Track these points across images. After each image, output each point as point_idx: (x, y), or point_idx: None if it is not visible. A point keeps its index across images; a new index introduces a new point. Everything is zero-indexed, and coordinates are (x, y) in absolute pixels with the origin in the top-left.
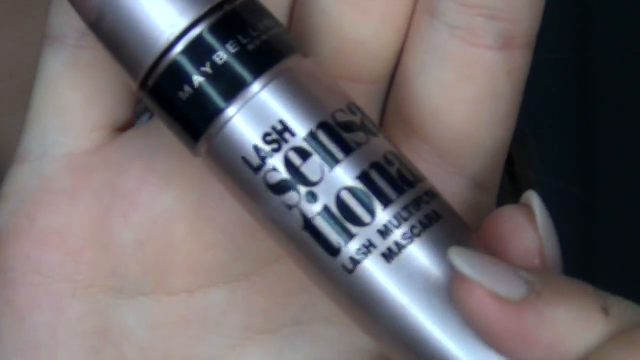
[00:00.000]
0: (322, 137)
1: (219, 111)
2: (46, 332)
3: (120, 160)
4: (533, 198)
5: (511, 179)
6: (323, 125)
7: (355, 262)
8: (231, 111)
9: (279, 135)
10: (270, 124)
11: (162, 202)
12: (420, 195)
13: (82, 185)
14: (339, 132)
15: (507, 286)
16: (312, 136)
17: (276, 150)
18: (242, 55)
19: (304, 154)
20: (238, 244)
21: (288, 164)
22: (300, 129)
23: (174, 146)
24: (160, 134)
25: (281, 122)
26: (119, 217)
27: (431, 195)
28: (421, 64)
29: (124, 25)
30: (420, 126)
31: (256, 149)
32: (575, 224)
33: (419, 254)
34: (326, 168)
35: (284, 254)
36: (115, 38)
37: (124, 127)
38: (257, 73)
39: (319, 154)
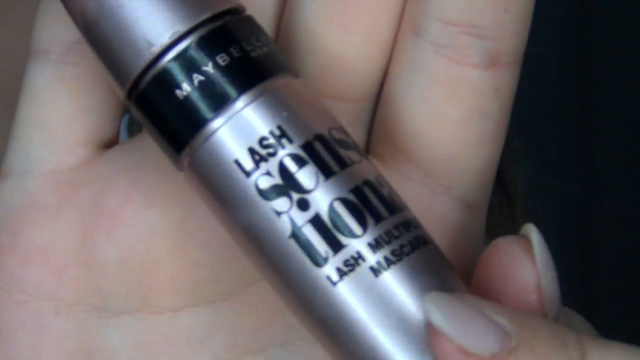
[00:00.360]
0: (319, 147)
1: (204, 122)
2: (29, 351)
3: (104, 177)
4: (531, 231)
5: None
6: (320, 138)
7: (342, 274)
8: (217, 123)
9: (276, 140)
10: (269, 128)
11: (145, 219)
12: (410, 219)
13: (65, 202)
14: (335, 147)
15: (478, 340)
16: (309, 145)
17: (272, 155)
18: (231, 68)
19: (300, 161)
20: (222, 262)
21: (283, 169)
22: (298, 137)
23: (159, 163)
24: (145, 151)
25: (279, 127)
26: (102, 234)
27: (417, 222)
28: (406, 83)
29: (116, 31)
30: (407, 145)
31: (251, 151)
32: (575, 224)
33: (406, 272)
34: (321, 177)
35: (259, 269)
36: (105, 43)
37: (109, 143)
38: (245, 88)
39: (315, 163)
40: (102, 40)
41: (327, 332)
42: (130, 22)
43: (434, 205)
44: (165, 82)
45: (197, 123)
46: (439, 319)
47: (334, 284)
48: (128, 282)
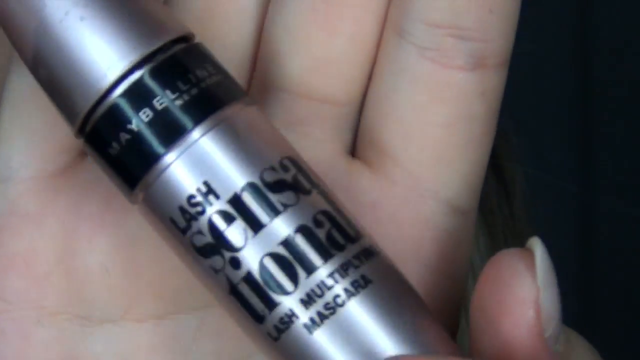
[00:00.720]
0: (248, 199)
1: (156, 157)
2: None
3: (85, 183)
4: (536, 245)
5: (495, 172)
6: (249, 187)
7: (279, 331)
8: (169, 158)
9: (203, 197)
10: (195, 185)
11: (126, 226)
12: (349, 259)
13: (47, 208)
14: (265, 194)
15: None
16: (237, 199)
17: (200, 213)
18: (179, 103)
19: (228, 218)
20: None
21: (212, 227)
22: (224, 191)
23: None
24: None
25: (206, 183)
26: (83, 241)
27: (365, 255)
28: (391, 86)
29: (61, 70)
30: (392, 149)
31: (182, 210)
32: (574, 222)
33: (342, 324)
34: (249, 233)
35: None
36: (52, 82)
37: None
38: (195, 121)
39: (243, 218)
40: (49, 78)
41: None
42: (77, 59)
43: (421, 209)
44: (114, 118)
45: (149, 159)
46: None
47: (275, 339)
48: (110, 290)
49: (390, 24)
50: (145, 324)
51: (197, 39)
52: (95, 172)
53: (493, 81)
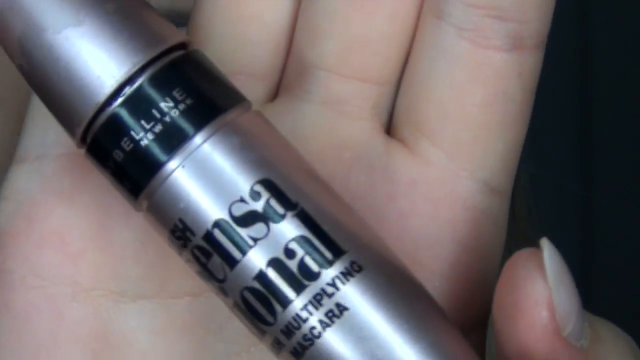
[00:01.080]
0: (219, 235)
1: (159, 165)
2: (45, 337)
3: None
4: (544, 245)
5: None
6: (218, 224)
7: (275, 351)
8: (172, 165)
9: (181, 232)
10: (173, 221)
11: None
12: (323, 288)
13: (82, 185)
14: (235, 229)
15: None
16: (209, 236)
17: (184, 246)
18: (179, 110)
19: (206, 253)
20: None
21: (197, 259)
22: (198, 228)
23: None
24: None
25: (181, 220)
26: (119, 216)
27: (344, 277)
28: (429, 66)
29: (57, 80)
30: (429, 128)
31: (170, 240)
32: (575, 219)
33: (320, 355)
34: (226, 267)
35: None
36: (51, 93)
37: None
38: (201, 125)
39: (218, 254)
40: (46, 89)
41: None
42: (73, 68)
43: (457, 189)
44: (114, 128)
45: (152, 167)
46: None
47: (276, 355)
48: (145, 265)
49: (428, 5)
50: (179, 301)
51: (195, 47)
52: None
53: (530, 62)
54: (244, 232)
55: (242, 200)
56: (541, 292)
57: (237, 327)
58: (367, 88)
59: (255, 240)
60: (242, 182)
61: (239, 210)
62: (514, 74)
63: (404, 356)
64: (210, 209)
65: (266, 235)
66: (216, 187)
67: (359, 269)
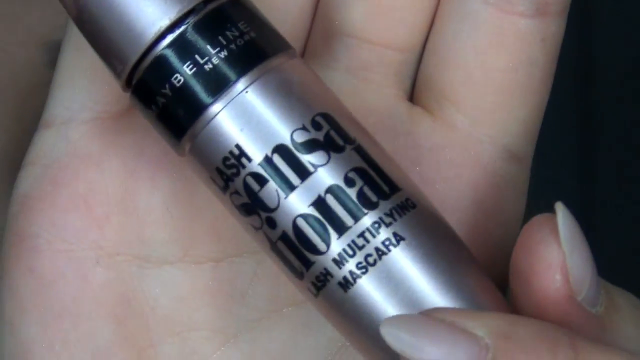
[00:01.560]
0: (278, 161)
1: (203, 107)
2: (69, 301)
3: (147, 126)
4: (558, 209)
5: None
6: (279, 149)
7: (317, 288)
8: (216, 107)
9: (236, 160)
10: (228, 148)
11: (186, 168)
12: (381, 217)
13: (108, 149)
14: (296, 155)
15: (445, 356)
16: (268, 161)
17: (235, 175)
18: (224, 55)
19: (261, 180)
20: None
21: (247, 188)
22: (256, 153)
23: None
24: None
25: (237, 146)
26: (145, 181)
27: (400, 210)
28: (454, 32)
29: (109, 22)
30: (453, 94)
31: (219, 171)
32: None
33: (374, 283)
34: (282, 194)
35: None
36: (99, 34)
37: None
38: (244, 70)
39: (274, 180)
40: (95, 31)
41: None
42: (122, 11)
43: (480, 154)
44: (161, 69)
45: (196, 109)
46: (399, 346)
47: (315, 296)
48: (170, 231)
49: None
50: (203, 266)
51: None
52: None
53: (553, 28)
54: (304, 158)
55: (304, 128)
56: (555, 257)
57: (259, 293)
58: (391, 55)
59: (315, 167)
60: (304, 112)
61: (301, 137)
62: (538, 40)
63: (459, 280)
64: (271, 134)
65: (327, 162)
66: (279, 114)
67: (414, 206)
